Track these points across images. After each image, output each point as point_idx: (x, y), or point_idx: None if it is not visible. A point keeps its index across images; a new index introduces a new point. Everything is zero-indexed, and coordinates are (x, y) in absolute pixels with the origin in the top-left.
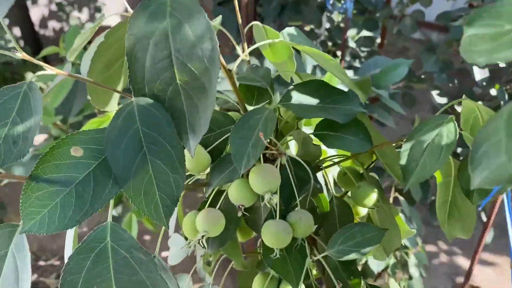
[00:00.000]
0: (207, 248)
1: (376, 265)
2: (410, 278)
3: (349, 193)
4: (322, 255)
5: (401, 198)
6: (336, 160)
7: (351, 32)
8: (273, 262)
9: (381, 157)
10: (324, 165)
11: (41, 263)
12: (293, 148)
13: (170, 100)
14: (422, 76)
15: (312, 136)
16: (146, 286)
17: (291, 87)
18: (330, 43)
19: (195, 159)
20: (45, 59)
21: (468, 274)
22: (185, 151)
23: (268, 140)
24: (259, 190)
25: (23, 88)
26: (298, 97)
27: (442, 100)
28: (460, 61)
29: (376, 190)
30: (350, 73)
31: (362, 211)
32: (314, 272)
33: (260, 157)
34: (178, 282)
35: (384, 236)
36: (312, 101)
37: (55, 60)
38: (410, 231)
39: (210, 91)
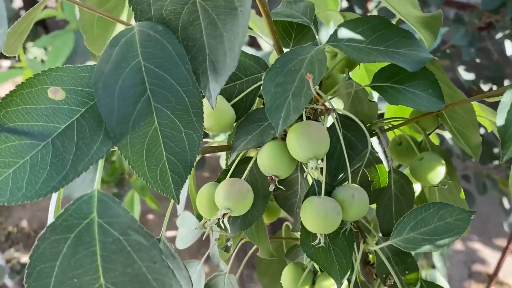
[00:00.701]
0: (228, 231)
1: None
2: (433, 267)
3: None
4: (383, 244)
5: None
6: (395, 122)
7: (371, 5)
8: (314, 251)
9: (450, 120)
10: (380, 127)
11: None
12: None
13: (184, 25)
14: (448, 51)
15: (368, 90)
16: (147, 281)
17: (341, 24)
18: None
19: (217, 113)
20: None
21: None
22: (204, 100)
23: (316, 88)
24: (301, 156)
25: None
26: (349, 37)
27: (469, 76)
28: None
29: (443, 162)
30: None
31: (416, 189)
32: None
33: (302, 113)
34: (190, 269)
35: (471, 220)
36: (368, 42)
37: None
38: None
39: (242, 14)
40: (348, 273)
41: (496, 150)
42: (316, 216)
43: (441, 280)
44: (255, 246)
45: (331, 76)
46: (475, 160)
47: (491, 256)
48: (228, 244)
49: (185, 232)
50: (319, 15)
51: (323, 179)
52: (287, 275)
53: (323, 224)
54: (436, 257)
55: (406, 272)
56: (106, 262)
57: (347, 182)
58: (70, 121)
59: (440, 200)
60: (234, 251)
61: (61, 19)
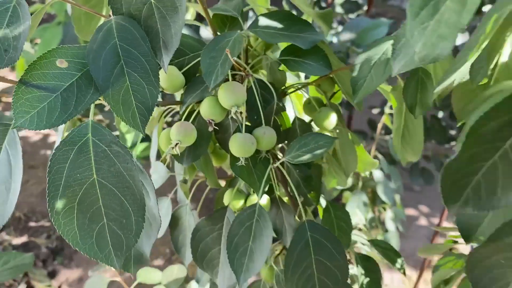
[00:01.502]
0: (183, 162)
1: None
2: (386, 231)
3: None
4: (280, 161)
5: (380, 156)
6: (299, 86)
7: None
8: (239, 169)
9: (341, 85)
10: (289, 90)
11: (32, 224)
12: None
13: (145, 18)
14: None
15: (278, 62)
16: (123, 176)
17: (259, 15)
18: (316, 8)
19: (170, 78)
20: None
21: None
22: (162, 71)
23: (235, 58)
24: (226, 104)
25: (12, 3)
26: (265, 25)
27: None
28: None
29: (335, 113)
30: (336, 40)
31: None
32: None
33: (229, 77)
34: (159, 204)
35: (333, 143)
36: (278, 28)
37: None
38: (374, 163)
39: (181, 10)
40: (264, 186)
41: (452, 132)
42: (237, 145)
43: (393, 242)
44: (209, 188)
45: (257, 50)
46: (434, 142)
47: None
48: (186, 178)
49: (156, 177)
50: (255, 8)
51: (243, 122)
52: (226, 196)
53: (242, 150)
54: (389, 222)
55: (311, 192)
56: (97, 164)
57: (262, 124)
58: (71, 81)
59: (339, 143)
60: (192, 187)
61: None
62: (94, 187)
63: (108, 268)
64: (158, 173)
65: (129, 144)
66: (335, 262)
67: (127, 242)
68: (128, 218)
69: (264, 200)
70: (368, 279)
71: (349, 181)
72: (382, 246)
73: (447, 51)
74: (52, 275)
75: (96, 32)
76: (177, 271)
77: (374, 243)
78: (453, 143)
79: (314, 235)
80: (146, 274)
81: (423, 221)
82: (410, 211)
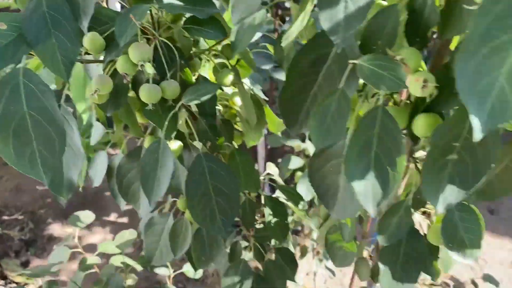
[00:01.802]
0: (107, 111)
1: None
2: None
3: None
4: (179, 103)
5: None
6: (204, 50)
7: None
8: (149, 113)
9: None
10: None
11: (5, 217)
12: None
13: None
14: None
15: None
16: (47, 109)
17: None
18: None
19: (92, 41)
20: None
21: None
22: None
23: (144, 24)
24: (134, 59)
25: None
26: (170, 1)
27: None
28: None
29: (233, 73)
30: None
31: (237, 102)
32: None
33: (138, 39)
34: (97, 158)
35: (217, 88)
36: (181, 3)
37: None
38: (281, 123)
39: None
40: (171, 128)
41: None
42: (145, 93)
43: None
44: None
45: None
46: None
47: None
48: (114, 128)
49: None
50: None
51: (151, 75)
52: (146, 141)
53: (148, 96)
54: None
55: (217, 138)
56: (27, 99)
57: (167, 78)
58: (11, 38)
59: (240, 97)
60: (126, 138)
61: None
62: (24, 118)
63: (71, 241)
64: (96, 130)
65: (84, 122)
66: (228, 187)
67: (53, 162)
68: (52, 144)
69: (176, 145)
70: (275, 219)
71: (301, 162)
72: (288, 190)
73: None
74: (25, 265)
75: (28, 3)
76: (128, 234)
77: (282, 188)
78: None
79: (210, 164)
80: (105, 246)
81: None
82: None
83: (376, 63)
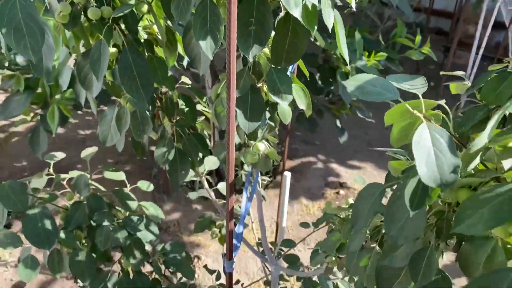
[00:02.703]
0: (68, 28)
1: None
2: None
3: None
4: (111, 17)
5: None
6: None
7: None
8: (94, 26)
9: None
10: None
11: None
12: None
13: None
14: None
15: None
16: (33, 17)
17: None
18: None
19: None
20: None
21: None
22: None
23: None
24: (91, 16)
25: None
26: None
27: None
28: None
29: (147, 5)
30: None
31: (156, 29)
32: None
33: None
34: (64, 71)
35: (131, 8)
36: None
37: None
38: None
39: None
40: (104, 33)
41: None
42: (91, 12)
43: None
44: None
45: None
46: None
47: (343, 171)
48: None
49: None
50: None
51: (94, 3)
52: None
53: (93, 14)
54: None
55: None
56: (21, 12)
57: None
58: None
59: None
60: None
61: None
62: (20, 21)
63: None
64: (61, 52)
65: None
66: (146, 71)
67: (37, 48)
68: (37, 38)
69: (114, 49)
70: (187, 108)
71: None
72: (193, 88)
73: None
74: (7, 227)
75: None
76: (91, 150)
77: (191, 88)
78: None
79: (134, 56)
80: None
81: (320, 165)
82: (309, 159)
83: None
